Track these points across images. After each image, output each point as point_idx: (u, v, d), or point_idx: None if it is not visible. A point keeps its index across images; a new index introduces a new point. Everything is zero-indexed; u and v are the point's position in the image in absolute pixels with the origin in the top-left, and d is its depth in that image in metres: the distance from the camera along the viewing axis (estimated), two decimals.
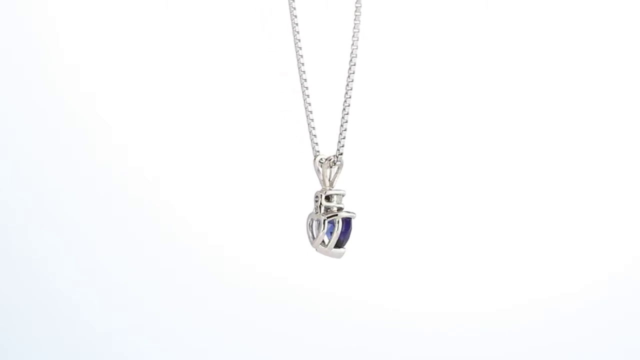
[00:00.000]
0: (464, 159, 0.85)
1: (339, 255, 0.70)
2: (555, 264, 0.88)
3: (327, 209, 0.70)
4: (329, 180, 0.71)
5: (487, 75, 0.85)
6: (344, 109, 0.71)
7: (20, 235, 0.88)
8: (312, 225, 0.71)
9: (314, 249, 0.71)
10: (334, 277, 0.85)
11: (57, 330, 0.89)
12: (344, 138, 0.71)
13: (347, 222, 0.70)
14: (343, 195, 0.70)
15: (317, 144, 0.71)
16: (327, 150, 0.72)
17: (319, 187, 0.72)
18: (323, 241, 0.70)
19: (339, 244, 0.70)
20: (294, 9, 0.71)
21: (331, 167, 0.70)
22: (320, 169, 0.71)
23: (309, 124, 0.71)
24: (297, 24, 0.71)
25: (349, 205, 0.71)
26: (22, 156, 0.87)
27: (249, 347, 0.89)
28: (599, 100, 0.86)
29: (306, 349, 0.89)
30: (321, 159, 0.71)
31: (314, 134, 0.71)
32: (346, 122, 0.71)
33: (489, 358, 0.88)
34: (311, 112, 0.71)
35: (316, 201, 0.70)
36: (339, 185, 0.71)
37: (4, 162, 0.88)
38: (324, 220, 0.69)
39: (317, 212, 0.70)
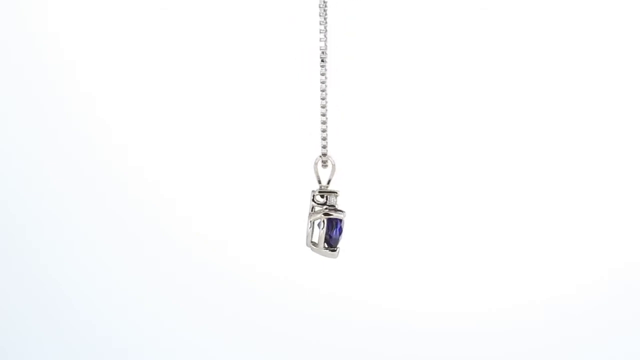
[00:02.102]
0: (463, 157, 0.86)
1: (333, 256, 0.70)
2: (556, 264, 0.88)
3: (318, 208, 0.70)
4: (328, 179, 0.71)
5: (482, 74, 0.85)
6: (322, 108, 0.71)
7: (20, 235, 0.88)
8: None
9: (309, 249, 0.71)
10: (334, 277, 0.85)
11: (57, 330, 0.89)
12: (324, 139, 0.71)
13: (332, 222, 0.70)
14: (335, 195, 0.70)
15: (326, 141, 0.71)
16: (332, 150, 0.72)
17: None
18: (315, 241, 0.71)
19: (330, 244, 0.70)
20: (325, 2, 0.70)
21: (325, 167, 0.71)
22: (318, 169, 0.71)
23: (322, 122, 0.71)
24: (325, 21, 0.71)
25: (348, 206, 0.71)
26: (22, 156, 0.87)
27: (249, 347, 0.89)
28: (596, 100, 0.86)
29: (306, 348, 0.89)
30: (317, 159, 0.71)
31: (324, 131, 0.71)
32: (324, 122, 0.71)
33: (489, 358, 0.88)
34: (327, 110, 0.71)
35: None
36: (334, 185, 0.71)
37: (4, 162, 0.88)
38: (311, 220, 0.70)
39: (310, 212, 0.70)
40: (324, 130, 0.71)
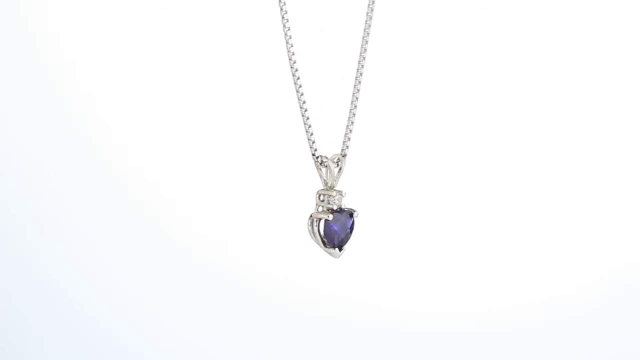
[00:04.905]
0: (464, 158, 0.86)
1: (334, 255, 0.71)
2: (556, 264, 0.88)
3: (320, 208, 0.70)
4: (333, 180, 0.71)
5: (491, 77, 0.85)
6: (350, 110, 0.72)
7: (20, 235, 0.88)
8: None
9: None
10: (334, 277, 0.85)
11: (57, 330, 0.89)
12: (349, 139, 0.71)
13: (326, 222, 0.70)
14: (335, 196, 0.70)
15: (314, 142, 0.71)
16: (324, 149, 0.72)
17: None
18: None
19: (329, 244, 0.70)
20: (284, 3, 0.71)
21: (326, 167, 0.71)
22: (321, 168, 0.71)
23: (304, 123, 0.71)
24: (287, 20, 0.71)
25: (347, 206, 0.72)
26: (22, 156, 0.87)
27: (249, 347, 0.89)
28: (596, 101, 0.86)
29: (306, 348, 0.89)
30: (319, 158, 0.71)
31: (310, 132, 0.71)
32: (352, 123, 0.71)
33: (489, 358, 0.88)
34: (306, 110, 0.71)
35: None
36: (339, 185, 0.71)
37: (4, 162, 0.88)
38: (310, 219, 0.70)
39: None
40: (350, 132, 0.71)
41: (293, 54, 0.71)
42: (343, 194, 0.70)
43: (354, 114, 0.71)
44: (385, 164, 0.85)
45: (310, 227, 0.70)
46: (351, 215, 0.71)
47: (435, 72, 0.84)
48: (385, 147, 0.85)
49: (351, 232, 0.71)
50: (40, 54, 0.86)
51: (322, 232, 0.70)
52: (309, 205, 0.71)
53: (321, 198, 0.70)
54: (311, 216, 0.70)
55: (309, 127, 0.71)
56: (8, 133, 0.87)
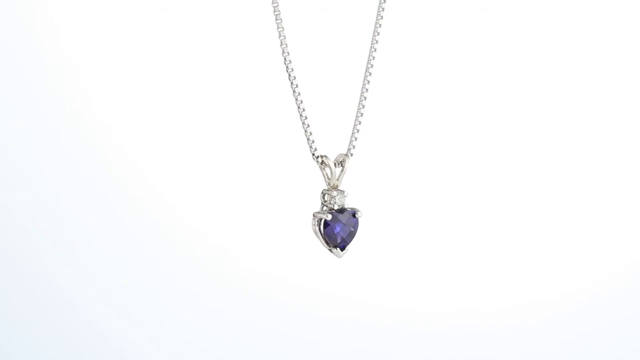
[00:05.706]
0: (466, 159, 0.86)
1: (337, 255, 0.71)
2: (555, 264, 0.88)
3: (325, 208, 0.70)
4: (335, 179, 0.71)
5: (496, 80, 0.85)
6: (358, 109, 0.71)
7: (20, 235, 0.88)
8: None
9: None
10: (334, 277, 0.85)
11: (57, 330, 0.89)
12: (356, 139, 0.71)
13: (325, 222, 0.70)
14: (337, 196, 0.70)
15: (313, 141, 0.71)
16: (328, 149, 0.72)
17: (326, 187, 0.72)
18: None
19: (330, 243, 0.70)
20: (277, 4, 0.71)
21: (327, 166, 0.71)
22: (324, 168, 0.71)
23: (303, 122, 0.71)
24: (281, 20, 0.71)
25: (353, 205, 0.71)
26: (22, 156, 0.87)
27: (249, 347, 0.89)
28: (596, 102, 0.86)
29: (306, 348, 0.89)
30: (319, 158, 0.71)
31: (309, 132, 0.71)
32: (360, 123, 0.71)
33: (489, 358, 0.88)
34: (304, 109, 0.71)
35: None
36: (343, 184, 0.71)
37: (4, 162, 0.88)
38: (313, 219, 0.70)
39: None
40: (358, 131, 0.71)
41: (288, 54, 0.71)
42: (345, 193, 0.70)
43: (361, 114, 0.71)
44: (389, 165, 0.85)
45: (313, 227, 0.70)
46: (354, 215, 0.71)
47: (441, 73, 0.84)
48: (390, 148, 0.85)
49: (355, 231, 0.71)
50: (40, 54, 0.86)
51: (322, 232, 0.70)
52: (311, 205, 0.71)
53: (325, 197, 0.70)
54: (314, 216, 0.70)
55: (308, 126, 0.71)
56: (8, 133, 0.87)
